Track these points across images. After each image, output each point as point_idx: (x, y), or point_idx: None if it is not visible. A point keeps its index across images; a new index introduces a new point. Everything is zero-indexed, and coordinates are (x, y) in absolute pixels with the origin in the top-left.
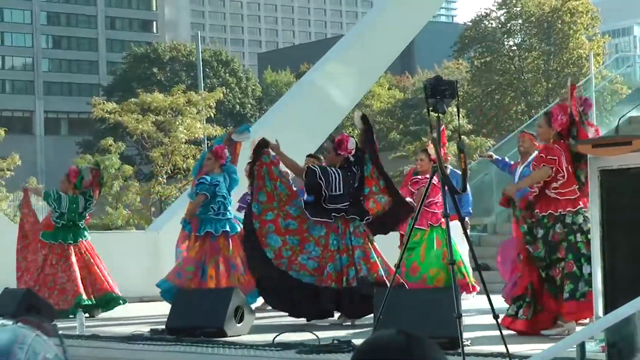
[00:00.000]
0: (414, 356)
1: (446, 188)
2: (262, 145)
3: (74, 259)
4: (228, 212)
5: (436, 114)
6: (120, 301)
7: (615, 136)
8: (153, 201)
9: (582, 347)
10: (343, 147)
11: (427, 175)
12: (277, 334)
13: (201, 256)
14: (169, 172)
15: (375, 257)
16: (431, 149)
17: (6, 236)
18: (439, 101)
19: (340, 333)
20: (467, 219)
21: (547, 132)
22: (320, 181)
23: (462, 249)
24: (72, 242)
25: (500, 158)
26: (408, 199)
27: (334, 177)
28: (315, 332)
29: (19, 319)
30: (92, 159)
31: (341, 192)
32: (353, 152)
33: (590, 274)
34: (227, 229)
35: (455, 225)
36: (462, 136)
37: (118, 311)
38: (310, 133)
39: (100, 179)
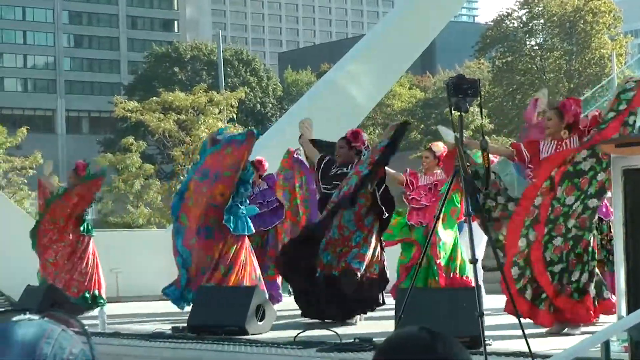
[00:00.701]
0: (438, 353)
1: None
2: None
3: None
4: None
5: (458, 113)
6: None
7: (639, 135)
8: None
9: (606, 345)
10: (359, 139)
11: (436, 172)
12: (299, 332)
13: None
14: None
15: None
16: (436, 147)
17: (28, 235)
18: (461, 100)
19: (362, 331)
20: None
21: (557, 124)
22: (318, 172)
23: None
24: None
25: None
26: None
27: (334, 173)
28: (336, 330)
29: (45, 313)
30: (113, 157)
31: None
32: (366, 144)
33: None
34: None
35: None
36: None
37: (139, 308)
38: (331, 132)
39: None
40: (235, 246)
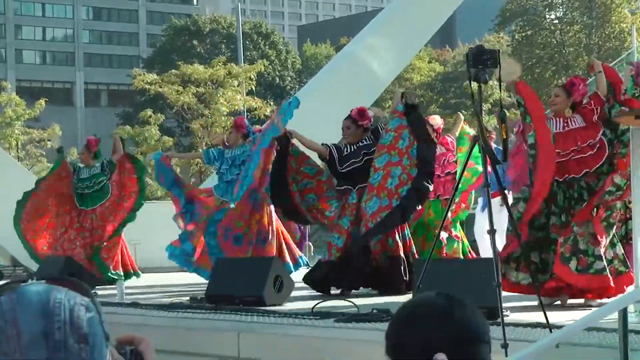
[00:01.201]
0: (455, 317)
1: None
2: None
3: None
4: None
5: (477, 84)
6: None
7: None
8: (193, 172)
9: (624, 313)
10: (365, 117)
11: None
12: (316, 302)
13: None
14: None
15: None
16: (433, 120)
17: None
18: (481, 70)
19: (379, 301)
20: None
21: (564, 102)
22: (332, 160)
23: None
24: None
25: None
26: None
27: (347, 152)
28: (354, 301)
29: (48, 280)
30: (131, 130)
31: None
32: (372, 121)
33: None
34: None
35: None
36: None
37: (159, 279)
38: (349, 106)
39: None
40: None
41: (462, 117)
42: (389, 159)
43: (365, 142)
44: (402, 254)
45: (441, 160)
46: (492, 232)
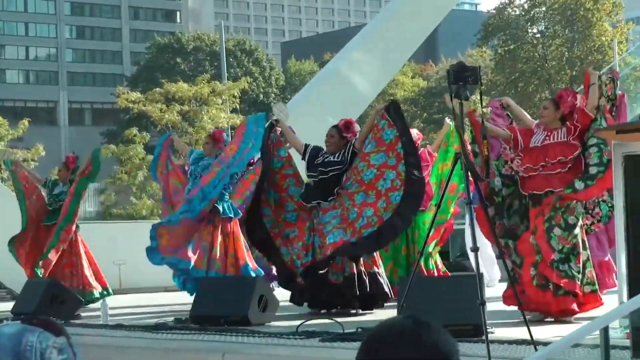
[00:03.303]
0: (423, 340)
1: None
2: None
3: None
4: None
5: (459, 100)
6: None
7: (639, 122)
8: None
9: (605, 331)
10: (351, 130)
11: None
12: (302, 322)
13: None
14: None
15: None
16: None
17: None
18: (462, 87)
19: (365, 321)
20: None
21: (552, 114)
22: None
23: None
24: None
25: None
26: None
27: (320, 161)
28: (339, 321)
29: (24, 320)
30: (116, 149)
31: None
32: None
33: None
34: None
35: None
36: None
37: (142, 300)
38: (334, 122)
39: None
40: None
41: (450, 124)
42: (385, 159)
43: (339, 159)
44: (362, 270)
45: None
46: (475, 249)
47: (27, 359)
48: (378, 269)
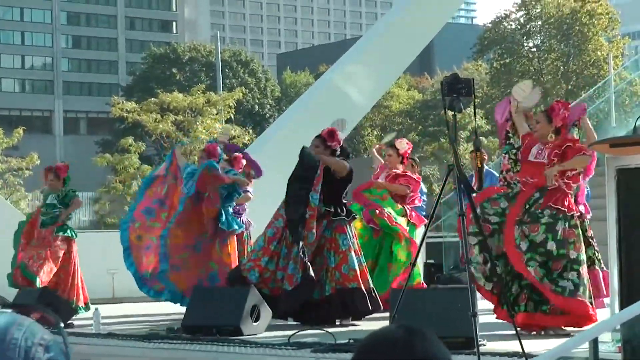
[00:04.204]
0: (415, 349)
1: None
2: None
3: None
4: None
5: (452, 113)
6: None
7: (633, 136)
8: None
9: (594, 343)
10: (334, 138)
11: (396, 170)
12: (293, 332)
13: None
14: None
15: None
16: (400, 144)
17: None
18: (456, 99)
19: (356, 332)
20: None
21: (545, 127)
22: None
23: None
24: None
25: None
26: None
27: None
28: (331, 331)
29: (17, 308)
30: (111, 158)
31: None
32: (341, 143)
33: None
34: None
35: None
36: (479, 136)
37: (135, 310)
38: None
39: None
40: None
41: None
42: None
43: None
44: (348, 285)
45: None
46: (467, 262)
47: (9, 358)
48: (359, 284)
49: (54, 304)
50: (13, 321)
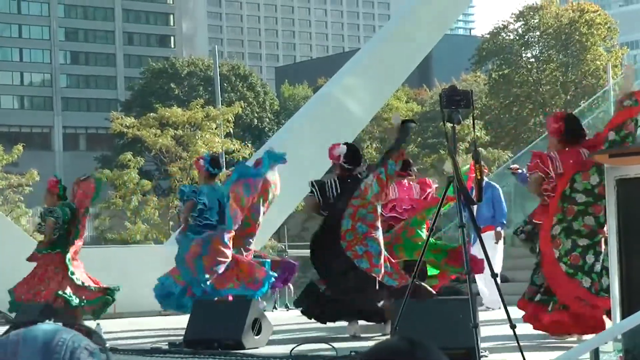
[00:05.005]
0: None
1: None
2: None
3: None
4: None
5: (451, 124)
6: None
7: (633, 146)
8: (172, 216)
9: (596, 353)
10: (329, 156)
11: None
12: (294, 346)
13: None
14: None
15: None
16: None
17: (26, 252)
18: (454, 111)
19: (358, 345)
20: (499, 229)
21: (551, 141)
22: (312, 194)
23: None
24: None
25: (522, 171)
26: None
27: (329, 186)
28: (332, 344)
29: (63, 323)
30: (110, 173)
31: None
32: (342, 159)
33: None
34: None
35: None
36: (479, 148)
37: (137, 324)
38: (327, 146)
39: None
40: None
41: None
42: None
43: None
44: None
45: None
46: (468, 272)
47: (56, 353)
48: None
49: (56, 320)
50: (62, 328)
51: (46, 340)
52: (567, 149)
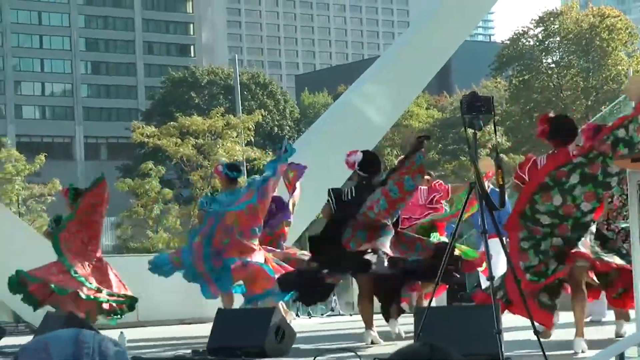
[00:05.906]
0: None
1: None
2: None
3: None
4: None
5: (472, 130)
6: None
7: None
8: (193, 224)
9: (621, 358)
10: (346, 162)
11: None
12: (317, 354)
13: None
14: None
15: None
16: None
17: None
18: (475, 117)
19: (382, 352)
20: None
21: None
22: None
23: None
24: None
25: None
26: None
27: (346, 194)
28: (357, 351)
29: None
30: (132, 182)
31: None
32: (356, 166)
33: None
34: None
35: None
36: (500, 153)
37: (159, 333)
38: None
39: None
40: None
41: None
42: None
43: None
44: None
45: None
46: (491, 278)
47: (85, 342)
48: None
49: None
50: (81, 330)
51: (73, 335)
52: (555, 151)
